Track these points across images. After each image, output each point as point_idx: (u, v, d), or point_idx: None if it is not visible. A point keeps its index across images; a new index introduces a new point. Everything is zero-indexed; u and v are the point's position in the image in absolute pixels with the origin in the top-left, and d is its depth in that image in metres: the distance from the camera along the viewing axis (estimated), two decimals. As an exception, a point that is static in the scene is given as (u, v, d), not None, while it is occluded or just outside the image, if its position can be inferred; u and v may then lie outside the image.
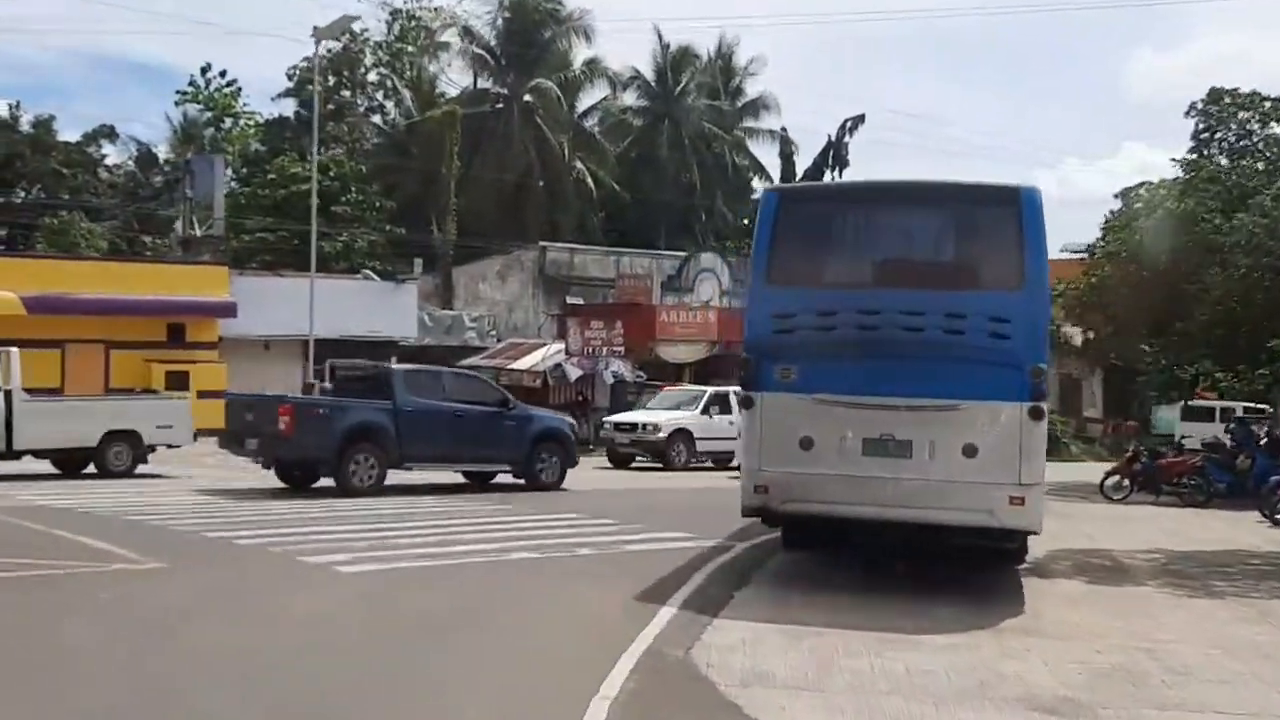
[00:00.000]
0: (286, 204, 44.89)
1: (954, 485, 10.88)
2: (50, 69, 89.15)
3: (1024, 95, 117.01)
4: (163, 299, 29.57)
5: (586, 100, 57.56)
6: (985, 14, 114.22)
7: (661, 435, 27.56)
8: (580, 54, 55.09)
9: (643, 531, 14.45)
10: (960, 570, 12.22)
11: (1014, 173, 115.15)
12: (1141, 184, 15.20)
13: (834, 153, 62.16)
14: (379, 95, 60.16)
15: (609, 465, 27.86)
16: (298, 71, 58.06)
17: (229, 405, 20.70)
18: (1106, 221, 17.05)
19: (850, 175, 60.10)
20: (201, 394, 29.68)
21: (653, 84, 58.35)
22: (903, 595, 10.92)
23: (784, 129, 61.46)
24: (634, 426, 28.05)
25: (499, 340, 37.27)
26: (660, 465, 27.42)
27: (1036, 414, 10.77)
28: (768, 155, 62.21)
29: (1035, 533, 11.20)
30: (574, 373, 33.49)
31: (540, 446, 20.42)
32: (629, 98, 59.93)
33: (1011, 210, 11.09)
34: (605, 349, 33.95)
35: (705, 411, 28.24)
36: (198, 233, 32.85)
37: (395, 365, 21.78)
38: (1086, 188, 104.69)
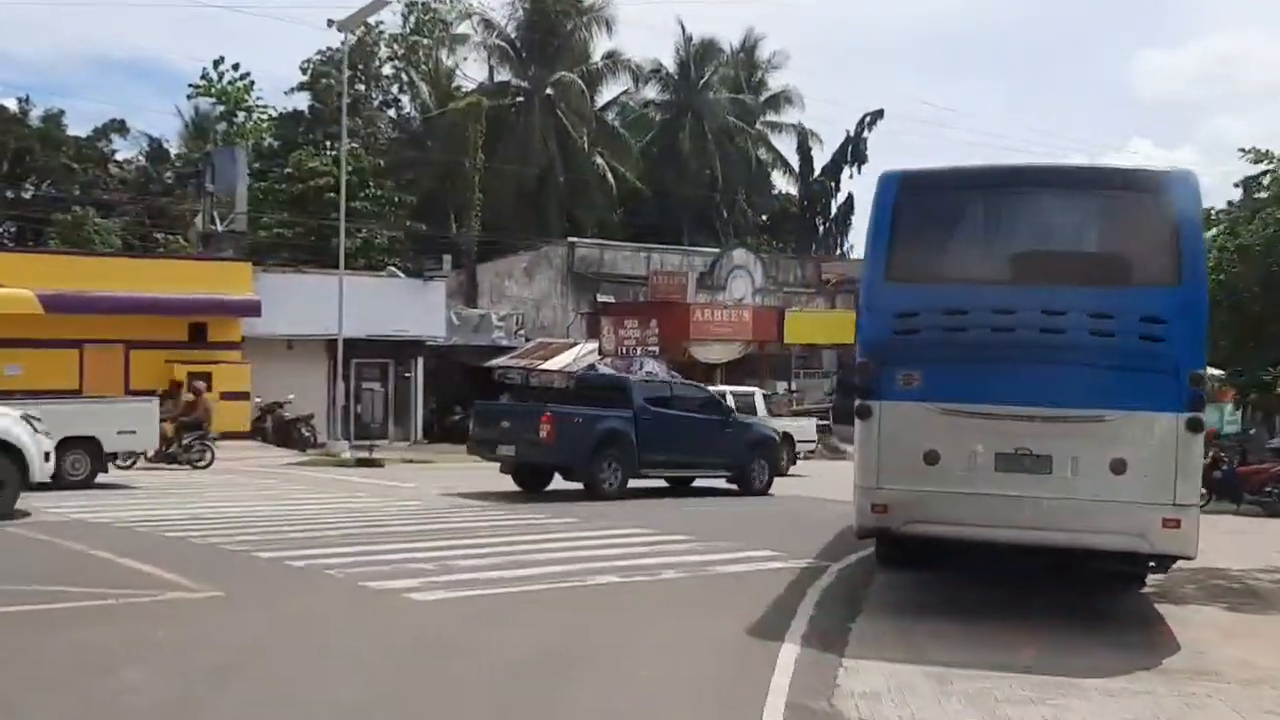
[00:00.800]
0: (304, 199, 43.84)
1: (1100, 506, 9.79)
2: (52, 66, 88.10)
3: (1030, 91, 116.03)
4: (184, 297, 28.40)
5: (607, 93, 56.53)
6: (991, 9, 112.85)
7: None
8: (601, 46, 54.06)
9: (725, 550, 13.37)
10: (1079, 593, 11.16)
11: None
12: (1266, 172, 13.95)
13: (852, 148, 61.19)
14: (394, 89, 59.07)
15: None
16: (311, 65, 57.06)
17: (479, 413, 21.46)
18: (1229, 212, 15.84)
19: (869, 171, 59.19)
20: (225, 395, 28.66)
21: (675, 77, 57.26)
22: (1034, 624, 9.93)
23: (800, 124, 60.45)
24: None
25: (527, 339, 36.11)
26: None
27: (1195, 426, 9.66)
28: (790, 150, 61.18)
29: (1190, 557, 10.08)
30: (608, 373, 32.30)
31: (756, 453, 21.63)
32: (650, 91, 58.93)
33: (1165, 196, 9.98)
34: (640, 349, 32.86)
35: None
36: (219, 228, 31.67)
37: (630, 375, 24.20)
38: None
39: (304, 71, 56.88)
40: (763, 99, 60.92)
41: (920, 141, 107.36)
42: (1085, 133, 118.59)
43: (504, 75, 53.77)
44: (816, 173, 61.32)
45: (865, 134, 60.92)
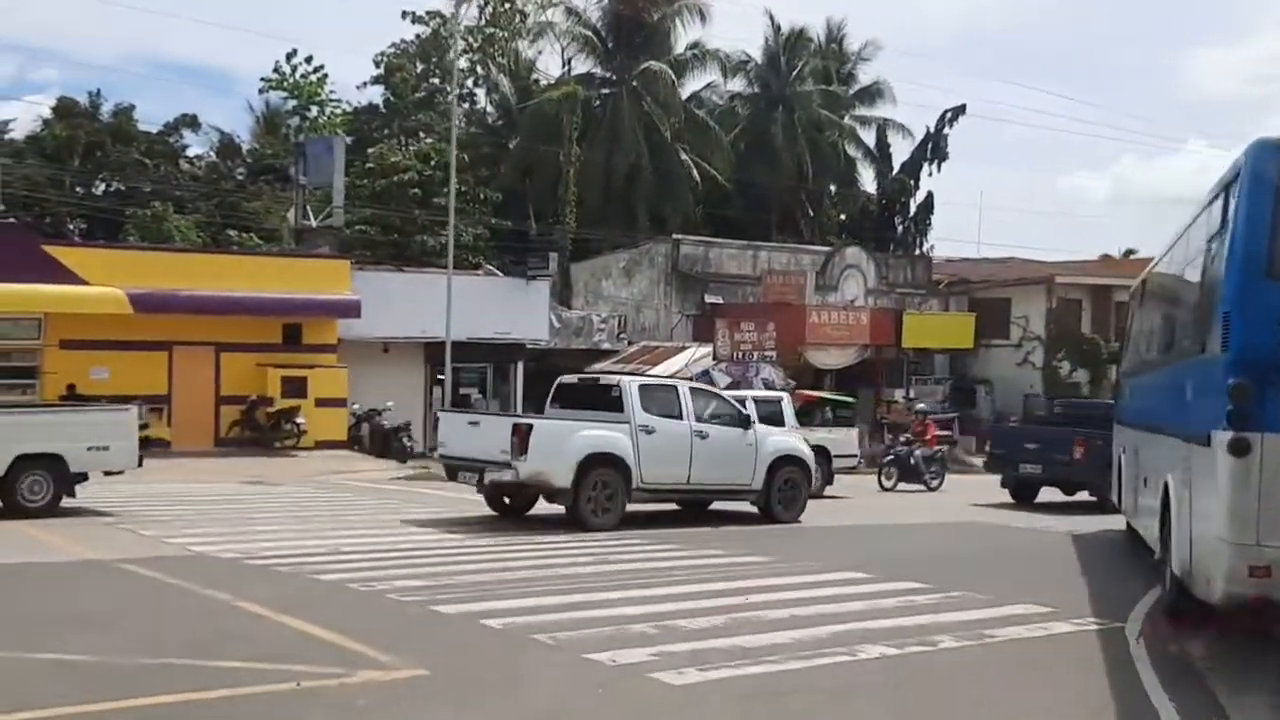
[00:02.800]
0: (386, 194, 42.05)
1: None
2: (117, 65, 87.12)
3: (1085, 90, 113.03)
4: (279, 296, 26.49)
5: (690, 86, 54.25)
6: (1042, 8, 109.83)
7: None
8: (690, 35, 51.78)
9: (979, 605, 11.09)
10: None
11: (1062, 171, 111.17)
12: None
13: (933, 145, 58.61)
14: (469, 82, 57.16)
15: None
16: (385, 58, 55.35)
17: (999, 433, 22.96)
18: None
19: (950, 170, 56.59)
20: (320, 402, 26.78)
21: (764, 68, 54.92)
22: None
23: (879, 118, 57.92)
24: None
25: (629, 343, 33.97)
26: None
27: None
28: (898, 144, 58.61)
29: None
30: (722, 380, 30.08)
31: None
32: (736, 84, 56.62)
33: None
34: (756, 353, 30.61)
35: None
36: (313, 223, 29.71)
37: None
38: (1146, 186, 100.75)
39: (377, 65, 55.33)
40: (852, 92, 58.52)
41: (997, 138, 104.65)
42: (1140, 133, 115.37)
43: (583, 67, 51.71)
44: (895, 170, 58.84)
45: (946, 130, 58.31)
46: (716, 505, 18.51)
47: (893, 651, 9.06)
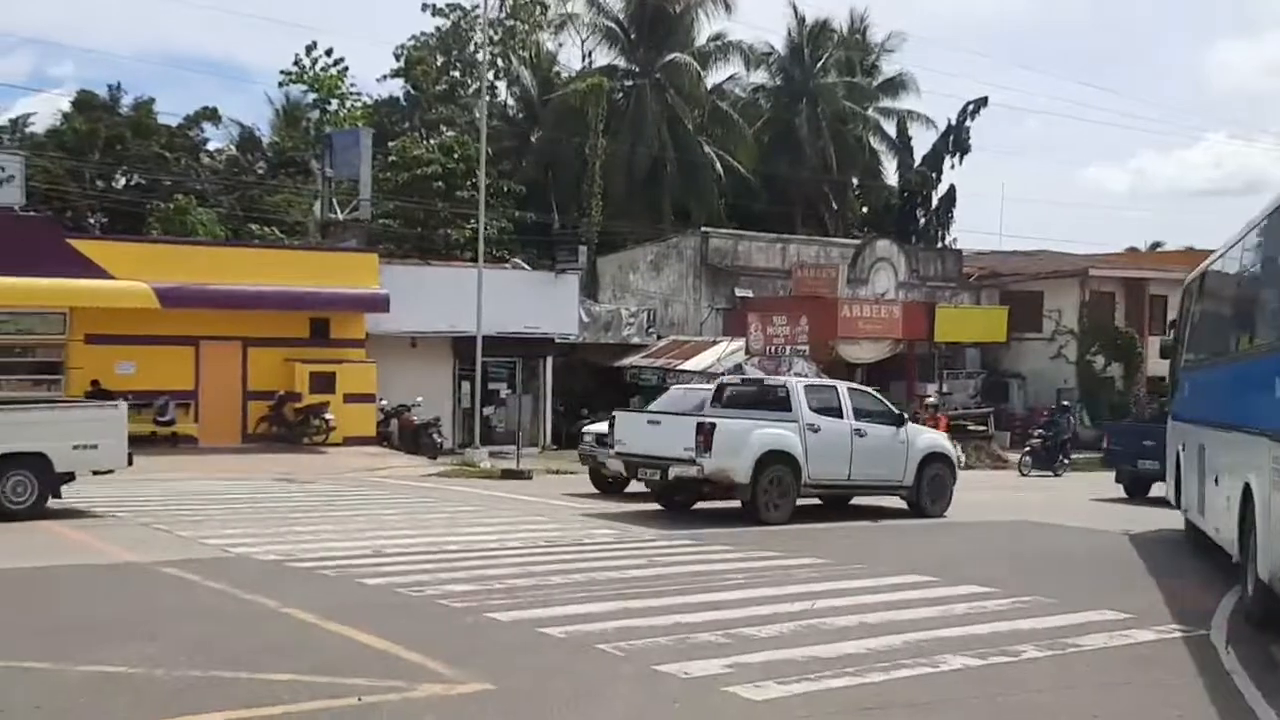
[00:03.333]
0: (409, 188, 41.61)
1: None
2: (129, 62, 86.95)
3: (1103, 82, 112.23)
4: (307, 290, 26.08)
5: (713, 78, 53.69)
6: (1063, 3, 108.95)
7: None
8: (714, 26, 51.24)
9: (1054, 610, 10.61)
10: None
11: (1081, 164, 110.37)
12: None
13: (954, 137, 58.02)
14: (490, 75, 56.69)
15: (594, 490, 21.11)
16: (405, 50, 54.96)
17: (1115, 430, 22.56)
18: None
19: (971, 162, 56.02)
20: (349, 398, 26.42)
21: (788, 60, 54.36)
22: None
23: (901, 109, 57.29)
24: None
25: (659, 337, 33.48)
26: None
27: None
28: (920, 136, 58.06)
29: None
30: (755, 375, 29.62)
31: None
32: (759, 76, 56.05)
33: None
34: (788, 347, 30.12)
35: None
36: (339, 216, 29.30)
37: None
38: (1162, 180, 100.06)
39: (397, 58, 54.94)
40: (876, 83, 57.90)
41: (1018, 130, 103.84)
42: (1159, 124, 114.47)
43: (604, 59, 51.21)
44: (917, 163, 58.22)
45: (968, 123, 57.76)
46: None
47: (975, 663, 8.60)
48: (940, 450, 19.23)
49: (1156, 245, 70.74)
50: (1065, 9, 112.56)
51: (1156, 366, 41.20)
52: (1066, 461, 30.30)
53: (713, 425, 16.63)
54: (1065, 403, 34.29)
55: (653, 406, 22.53)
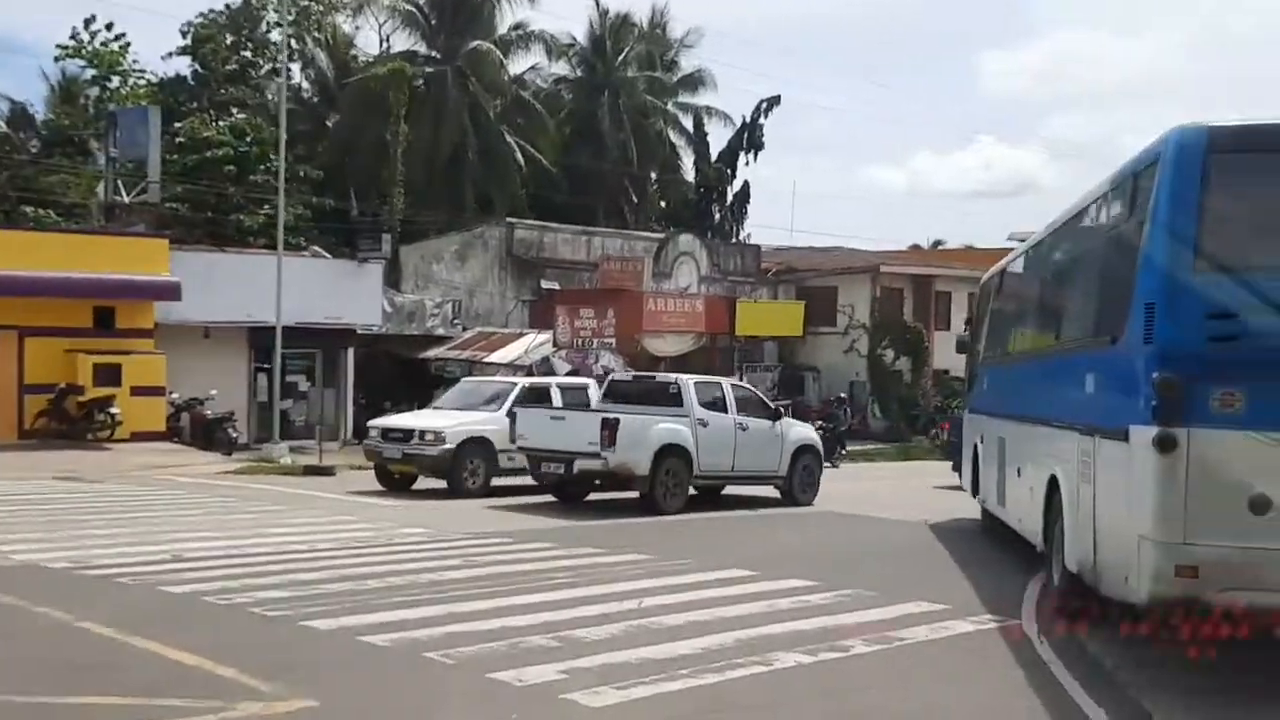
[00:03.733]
0: (199, 171, 39.95)
1: None
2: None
3: (878, 87, 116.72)
4: (90, 277, 24.65)
5: (514, 68, 53.27)
6: (837, 3, 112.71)
7: (446, 447, 19.37)
8: (517, 15, 50.83)
9: (874, 603, 10.79)
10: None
11: (866, 162, 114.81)
12: None
13: (748, 135, 59.25)
14: (282, 56, 54.97)
15: (380, 487, 20.48)
16: (192, 28, 52.73)
17: (953, 423, 21.30)
18: None
19: (764, 159, 57.37)
20: (135, 391, 25.11)
21: (589, 52, 54.36)
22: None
23: (697, 106, 58.02)
24: (408, 434, 19.85)
25: (464, 329, 32.97)
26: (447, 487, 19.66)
27: None
28: (717, 132, 58.86)
29: None
30: (562, 367, 29.56)
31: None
32: (560, 67, 55.90)
33: None
34: (596, 340, 30.09)
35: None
36: (125, 199, 27.79)
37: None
38: (938, 181, 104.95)
39: (184, 35, 52.68)
40: (676, 79, 58.46)
41: (808, 128, 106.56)
42: (936, 126, 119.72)
43: (404, 44, 50.27)
44: (714, 159, 59.13)
45: (762, 120, 59.06)
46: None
47: (808, 660, 8.62)
48: (810, 443, 20.50)
49: (938, 243, 73.63)
50: (853, 11, 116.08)
51: (942, 360, 42.93)
52: (844, 452, 31.13)
53: (616, 420, 17.45)
54: (841, 395, 35.31)
55: (443, 399, 22.25)
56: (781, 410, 21.02)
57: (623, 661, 8.31)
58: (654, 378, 21.08)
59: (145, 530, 14.50)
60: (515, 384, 21.52)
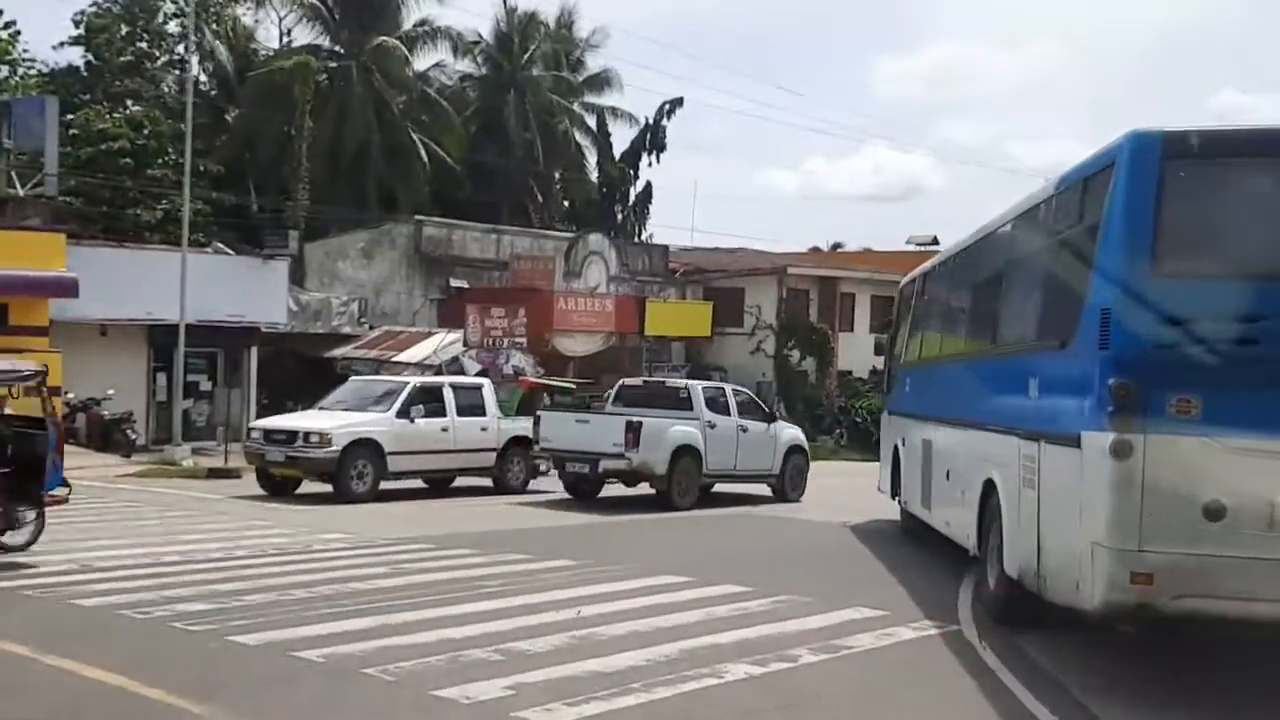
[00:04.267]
0: (94, 164, 38.63)
1: None
2: None
3: (773, 89, 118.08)
4: (-20, 272, 23.55)
5: (420, 64, 52.53)
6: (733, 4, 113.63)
7: (333, 450, 18.64)
8: (422, 11, 50.07)
9: (817, 609, 10.63)
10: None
11: (751, 169, 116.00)
12: None
13: (650, 136, 59.35)
14: (180, 48, 53.60)
15: (263, 492, 19.68)
16: (86, 17, 51.14)
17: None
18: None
19: (668, 160, 57.58)
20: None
21: (495, 50, 53.80)
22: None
23: (600, 105, 57.86)
24: (292, 436, 19.05)
25: (370, 327, 32.31)
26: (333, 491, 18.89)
27: None
28: (620, 133, 58.74)
29: None
30: (473, 367, 29.07)
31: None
32: (466, 65, 55.22)
33: None
34: (507, 340, 29.69)
35: (405, 413, 19.70)
36: (19, 191, 26.68)
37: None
38: (830, 186, 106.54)
39: (77, 25, 51.07)
40: (582, 79, 58.19)
41: (707, 130, 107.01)
42: (830, 130, 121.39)
43: (305, 38, 49.25)
44: (618, 158, 59.04)
45: (665, 122, 59.21)
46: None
47: (758, 671, 8.43)
48: (799, 444, 21.78)
49: (838, 246, 74.30)
50: (752, 13, 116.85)
51: (846, 361, 43.30)
52: None
53: (640, 424, 18.70)
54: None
55: (329, 400, 21.24)
56: (776, 414, 22.63)
57: (570, 675, 8.04)
58: (664, 383, 22.59)
59: (46, 538, 13.80)
60: (406, 383, 20.72)
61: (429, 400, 20.14)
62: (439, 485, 20.99)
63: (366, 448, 18.98)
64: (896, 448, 17.22)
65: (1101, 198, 8.43)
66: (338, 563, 12.64)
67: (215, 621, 9.31)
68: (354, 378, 23.77)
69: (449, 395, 20.55)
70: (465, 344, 29.68)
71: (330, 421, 19.25)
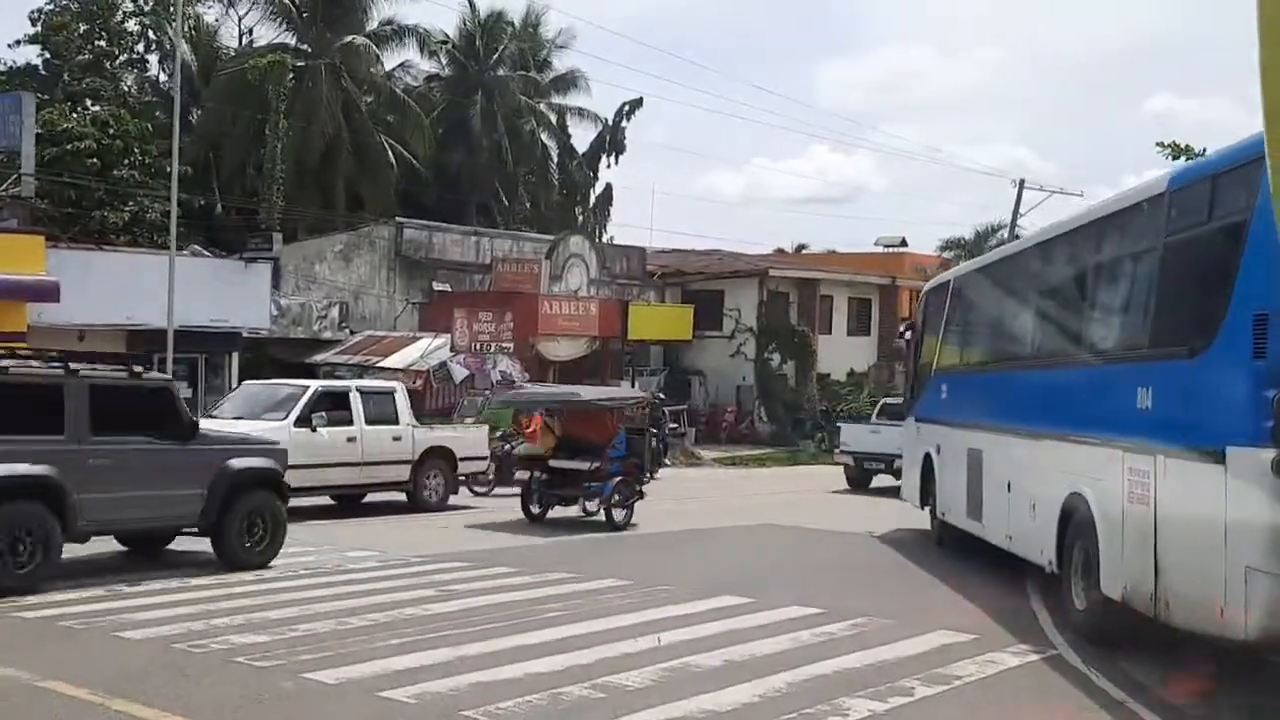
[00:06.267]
0: (59, 164, 37.44)
1: None
2: None
3: (715, 97, 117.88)
4: (-42, 277, 22.52)
5: (386, 64, 51.59)
6: (675, 8, 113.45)
7: None
8: (389, 10, 49.15)
9: (896, 635, 10.06)
10: None
11: (700, 171, 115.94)
12: None
13: (610, 137, 58.95)
14: (139, 47, 52.39)
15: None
16: (43, 15, 49.81)
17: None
18: None
19: (626, 162, 57.40)
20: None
21: (463, 50, 52.97)
22: None
23: (561, 106, 57.18)
24: None
25: (351, 332, 31.44)
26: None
27: None
28: (581, 134, 58.20)
29: None
30: (460, 372, 28.39)
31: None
32: (431, 65, 54.34)
33: None
34: (493, 344, 28.98)
35: (305, 421, 17.55)
36: (-8, 193, 25.62)
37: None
38: (776, 187, 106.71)
39: (33, 22, 49.72)
40: (549, 79, 57.50)
41: (661, 132, 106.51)
42: (768, 139, 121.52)
43: (269, 36, 48.25)
44: (574, 163, 58.46)
45: (624, 123, 58.85)
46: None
47: (881, 707, 7.84)
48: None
49: (802, 247, 74.00)
50: (703, 16, 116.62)
51: (825, 364, 42.92)
52: (666, 462, 28.25)
53: None
54: (661, 396, 32.74)
55: (220, 407, 19.00)
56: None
57: (685, 715, 7.42)
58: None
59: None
60: (306, 388, 18.45)
61: (334, 407, 18.05)
62: (348, 502, 19.09)
63: None
64: (929, 456, 16.73)
65: (1242, 194, 7.91)
66: (378, 585, 11.91)
67: (280, 656, 8.59)
68: (248, 382, 21.24)
69: (357, 401, 18.46)
70: (452, 348, 28.92)
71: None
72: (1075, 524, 10.48)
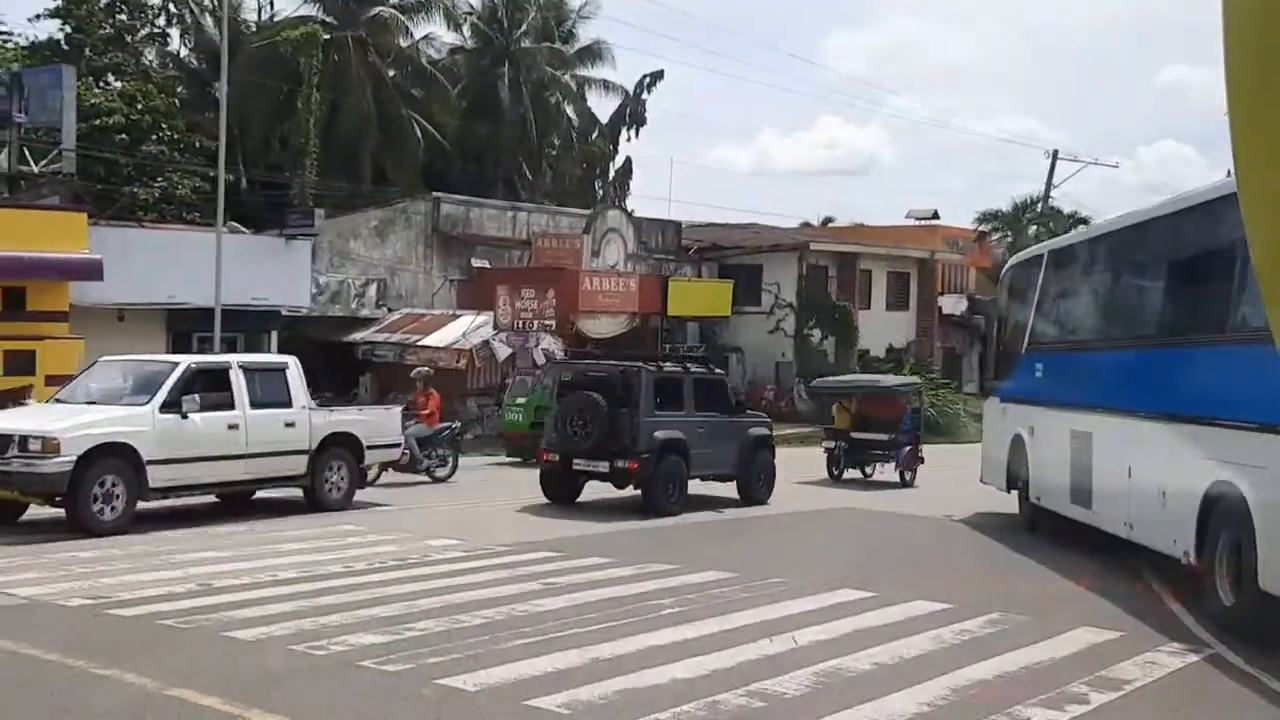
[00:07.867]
0: (87, 139, 36.85)
1: None
2: None
3: (724, 69, 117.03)
4: (2, 255, 21.93)
5: (414, 36, 50.86)
6: None
7: (63, 461, 13.30)
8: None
9: (1038, 633, 9.51)
10: None
11: (713, 144, 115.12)
12: None
13: (630, 110, 58.12)
14: (160, 21, 51.70)
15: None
16: (64, -13, 49.11)
17: None
18: None
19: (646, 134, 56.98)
20: (50, 380, 22.49)
21: (487, 21, 52.22)
22: None
23: (580, 78, 56.33)
24: (3, 443, 13.45)
25: (389, 310, 30.84)
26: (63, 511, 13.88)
27: None
28: (601, 107, 57.38)
29: None
30: (503, 351, 27.81)
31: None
32: (455, 37, 53.56)
33: None
34: (536, 322, 28.38)
35: (173, 405, 14.40)
36: (34, 168, 24.96)
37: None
38: (784, 159, 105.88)
39: (54, -4, 49.04)
40: (574, 50, 56.71)
41: (678, 105, 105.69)
42: (779, 111, 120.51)
43: (291, 7, 47.67)
44: (593, 135, 57.70)
45: (645, 95, 57.98)
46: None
47: (1062, 717, 7.27)
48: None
49: (829, 220, 73.24)
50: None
51: (865, 340, 42.25)
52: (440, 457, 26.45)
53: None
54: (422, 370, 30.41)
55: (66, 390, 16.00)
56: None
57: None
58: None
59: (134, 551, 12.44)
60: (175, 364, 15.23)
61: (209, 387, 14.90)
62: (233, 501, 16.05)
63: (115, 457, 13.73)
64: (1018, 438, 16.15)
65: None
66: (477, 578, 11.32)
67: (406, 660, 8.02)
68: (103, 358, 16.87)
69: (238, 380, 15.29)
70: (495, 326, 28.32)
71: (60, 421, 13.86)
72: (1221, 513, 9.93)
